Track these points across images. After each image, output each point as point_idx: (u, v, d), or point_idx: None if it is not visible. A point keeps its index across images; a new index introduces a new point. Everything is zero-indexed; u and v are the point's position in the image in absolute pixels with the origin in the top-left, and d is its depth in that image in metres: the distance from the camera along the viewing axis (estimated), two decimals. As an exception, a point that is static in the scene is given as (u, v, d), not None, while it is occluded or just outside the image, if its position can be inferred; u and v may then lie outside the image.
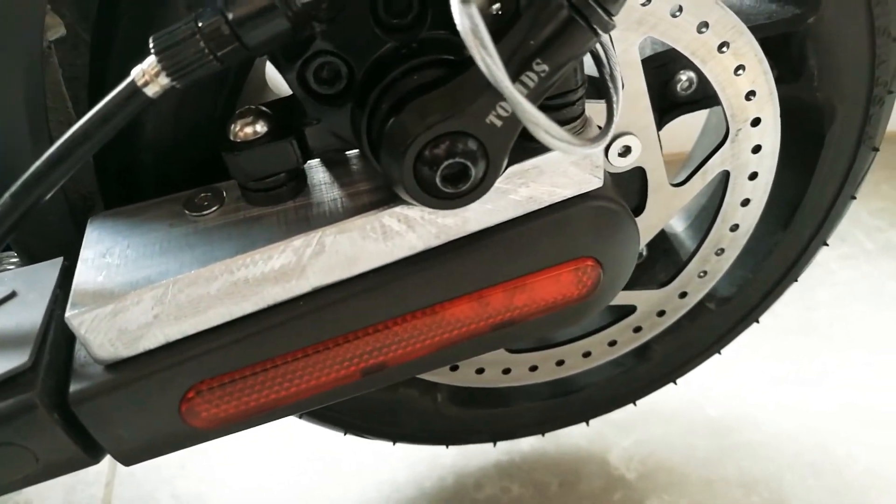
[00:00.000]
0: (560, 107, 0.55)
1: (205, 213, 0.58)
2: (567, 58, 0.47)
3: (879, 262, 1.45)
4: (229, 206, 0.58)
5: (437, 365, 0.65)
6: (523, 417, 0.94)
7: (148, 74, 0.47)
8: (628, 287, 0.82)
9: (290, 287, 0.56)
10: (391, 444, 0.91)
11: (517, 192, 0.59)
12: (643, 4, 0.61)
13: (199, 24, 0.45)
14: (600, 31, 0.46)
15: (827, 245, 0.86)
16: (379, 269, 0.58)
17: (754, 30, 0.70)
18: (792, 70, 0.74)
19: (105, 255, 0.56)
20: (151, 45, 0.47)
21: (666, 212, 0.76)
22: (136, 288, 0.53)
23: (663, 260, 0.87)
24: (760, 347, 1.25)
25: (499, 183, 0.57)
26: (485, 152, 0.50)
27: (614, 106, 0.49)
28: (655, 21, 0.63)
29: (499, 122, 0.49)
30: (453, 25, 0.51)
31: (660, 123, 0.76)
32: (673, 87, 0.74)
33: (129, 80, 0.48)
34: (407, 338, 0.61)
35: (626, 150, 0.70)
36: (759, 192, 0.77)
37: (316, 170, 0.60)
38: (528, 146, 0.55)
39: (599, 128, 0.55)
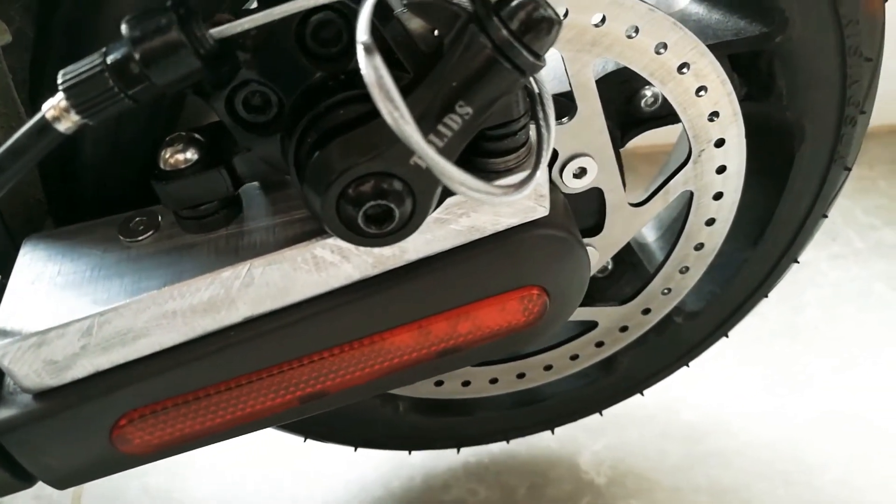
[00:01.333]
0: (501, 137, 0.54)
1: (139, 238, 0.57)
2: (492, 99, 0.45)
3: (869, 263, 1.42)
4: (164, 231, 0.57)
5: (381, 390, 0.64)
6: (487, 425, 0.94)
7: (57, 110, 0.45)
8: (589, 303, 0.81)
9: (220, 318, 0.55)
10: (353, 449, 0.91)
11: (457, 221, 0.57)
12: (596, 25, 0.59)
13: (108, 61, 0.44)
14: (526, 72, 0.44)
15: (797, 262, 0.84)
16: (314, 298, 0.57)
17: (720, 46, 0.68)
18: (761, 88, 0.71)
19: (34, 281, 0.55)
20: (60, 81, 0.45)
21: (626, 231, 0.74)
22: (62, 319, 0.52)
23: (630, 273, 0.85)
24: (742, 350, 1.23)
25: (437, 213, 0.56)
26: (411, 192, 0.48)
27: (544, 146, 0.47)
28: (610, 42, 0.60)
29: (424, 164, 0.47)
30: (386, 56, 0.50)
31: (623, 140, 0.74)
32: (637, 102, 0.72)
33: (40, 114, 0.46)
34: (346, 366, 0.60)
35: (582, 172, 0.67)
36: (725, 212, 0.75)
37: (253, 193, 0.59)
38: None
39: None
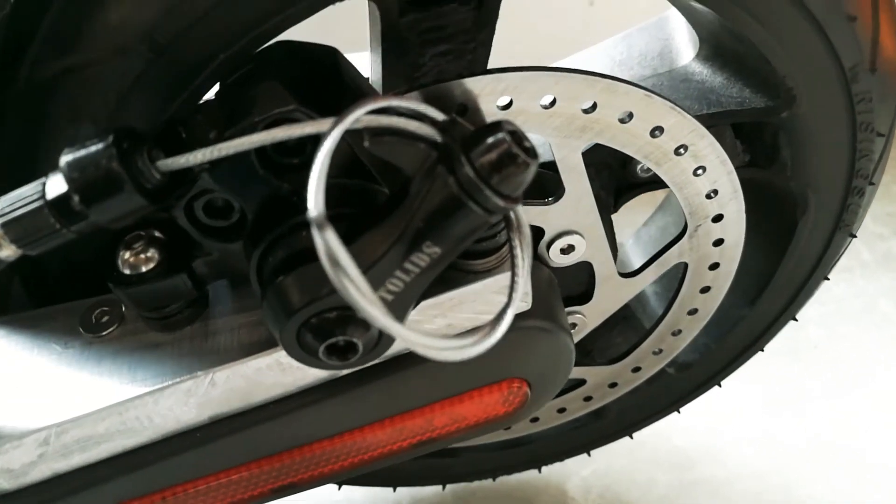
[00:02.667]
0: (478, 240, 0.51)
1: (101, 333, 0.55)
2: (461, 238, 0.42)
3: (876, 276, 1.38)
4: (127, 326, 0.55)
5: (353, 474, 0.63)
6: (473, 465, 0.93)
7: (-5, 238, 0.42)
8: (577, 362, 0.78)
9: (184, 421, 0.53)
10: (336, 487, 0.91)
11: (433, 322, 0.54)
12: (586, 111, 0.55)
13: (47, 197, 0.41)
14: (495, 213, 0.41)
15: (796, 320, 0.81)
16: (282, 399, 0.55)
17: (722, 116, 0.64)
18: (764, 156, 0.67)
19: (-10, 381, 0.53)
20: (-4, 207, 0.42)
21: (616, 300, 0.71)
22: (18, 429, 0.50)
23: (622, 326, 0.83)
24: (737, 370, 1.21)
25: (411, 315, 0.53)
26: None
27: (516, 284, 0.44)
28: (601, 128, 0.56)
29: (389, 297, 0.44)
30: (355, 170, 0.46)
31: (616, 205, 0.70)
32: (632, 168, 0.68)
33: (-24, 239, 0.43)
34: (318, 461, 0.58)
35: (570, 248, 0.64)
36: (721, 280, 0.72)
37: (219, 287, 0.56)
38: (445, 275, 0.51)
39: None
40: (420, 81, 0.58)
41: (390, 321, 0.37)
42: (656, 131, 0.57)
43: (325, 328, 0.45)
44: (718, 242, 0.67)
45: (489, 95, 0.53)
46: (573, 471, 1.11)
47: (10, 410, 0.51)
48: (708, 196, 0.63)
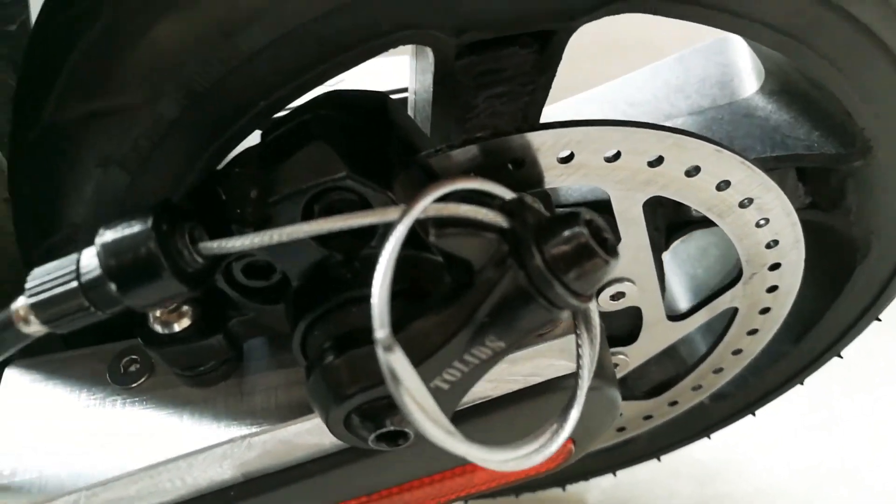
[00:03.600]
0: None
1: (130, 385, 0.52)
2: (527, 332, 0.39)
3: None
4: (157, 378, 0.52)
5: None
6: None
7: (24, 312, 0.39)
8: (614, 397, 0.76)
9: (217, 480, 0.51)
10: None
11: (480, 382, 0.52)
12: (651, 165, 0.51)
13: (81, 279, 0.37)
14: (565, 310, 0.38)
15: (841, 357, 0.79)
16: (321, 457, 0.52)
17: (788, 159, 0.60)
18: (827, 200, 0.64)
19: (17, 424, 0.51)
20: (28, 287, 0.39)
21: (661, 342, 0.68)
22: (47, 494, 0.48)
23: (662, 360, 0.80)
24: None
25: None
26: (429, 410, 0.43)
27: (580, 382, 0.41)
28: (666, 182, 0.52)
29: (445, 387, 0.41)
30: (411, 241, 0.43)
31: (667, 243, 0.67)
32: (686, 208, 0.64)
33: (6, 312, 0.40)
34: (352, 514, 0.56)
35: (620, 295, 0.61)
36: (770, 324, 0.68)
37: (255, 342, 0.53)
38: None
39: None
40: (472, 123, 0.54)
41: (457, 443, 0.34)
42: (723, 184, 0.54)
43: (377, 417, 0.42)
44: (772, 289, 0.64)
45: (549, 149, 0.49)
46: (593, 483, 1.09)
47: (37, 467, 0.49)
48: (768, 246, 0.60)
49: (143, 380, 0.52)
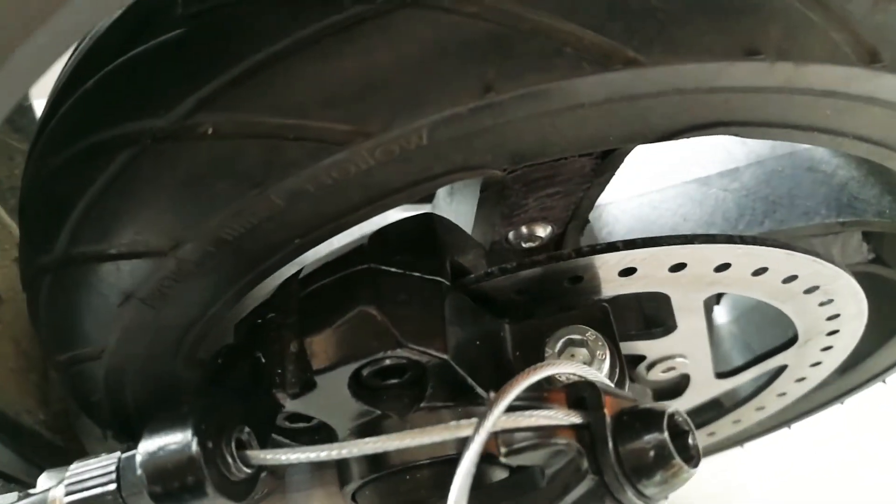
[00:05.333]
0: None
1: None
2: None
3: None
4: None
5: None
6: None
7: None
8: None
9: None
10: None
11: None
12: (717, 270, 0.47)
13: (121, 490, 0.35)
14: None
15: (885, 382, 0.77)
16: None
17: (854, 225, 0.55)
18: (893, 260, 0.60)
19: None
20: (67, 483, 0.36)
21: (706, 396, 0.66)
22: None
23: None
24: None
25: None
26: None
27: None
28: (731, 282, 0.49)
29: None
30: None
31: (718, 298, 0.64)
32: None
33: (44, 496, 0.38)
34: None
35: (671, 369, 0.58)
36: (819, 373, 0.66)
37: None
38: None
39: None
40: (520, 218, 0.49)
41: None
42: (789, 279, 0.50)
43: None
44: (827, 349, 0.61)
45: (611, 267, 0.45)
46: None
47: None
48: (829, 318, 0.56)
49: None
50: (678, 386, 0.64)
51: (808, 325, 0.57)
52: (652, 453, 0.33)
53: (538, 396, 0.35)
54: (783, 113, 0.38)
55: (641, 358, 0.57)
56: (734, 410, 0.72)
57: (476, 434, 0.32)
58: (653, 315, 0.54)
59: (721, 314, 0.74)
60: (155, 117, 0.37)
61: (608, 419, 0.34)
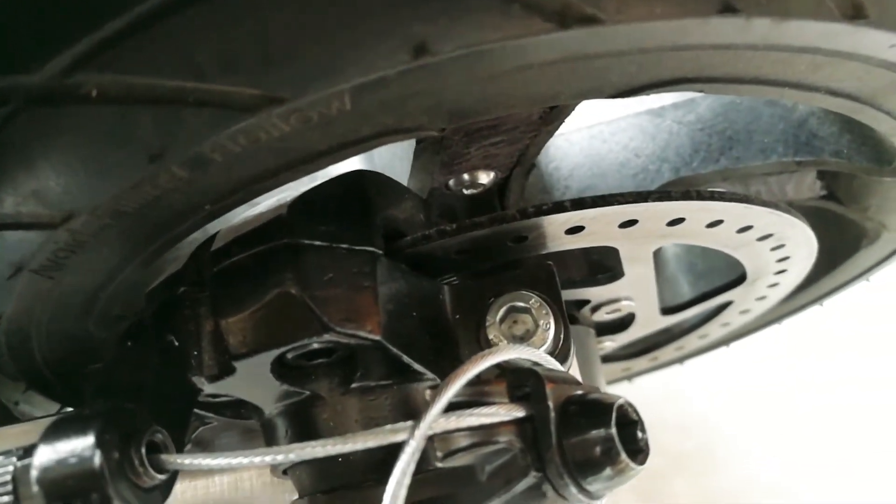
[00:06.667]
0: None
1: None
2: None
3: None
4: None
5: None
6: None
7: None
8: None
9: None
10: None
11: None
12: (671, 224, 0.44)
13: (16, 496, 0.31)
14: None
15: (821, 305, 0.77)
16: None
17: (811, 164, 0.53)
18: (846, 196, 0.58)
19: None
20: None
21: (651, 330, 0.65)
22: None
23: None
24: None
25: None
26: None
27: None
28: (684, 234, 0.46)
29: None
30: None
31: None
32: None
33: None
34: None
35: (617, 310, 0.57)
36: (763, 306, 0.66)
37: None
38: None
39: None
40: (460, 167, 0.45)
41: None
42: (744, 229, 0.47)
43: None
44: (773, 285, 0.61)
45: (558, 227, 0.41)
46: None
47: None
48: (779, 261, 0.55)
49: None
50: (623, 322, 0.63)
51: (757, 267, 0.55)
52: (598, 449, 0.31)
53: (477, 386, 0.33)
54: (754, 69, 0.34)
55: (586, 302, 0.55)
56: (678, 340, 0.72)
57: (410, 439, 0.29)
58: (598, 262, 0.51)
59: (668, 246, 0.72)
60: (30, 72, 0.31)
61: (552, 413, 0.32)
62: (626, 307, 0.56)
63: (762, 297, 0.63)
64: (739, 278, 0.59)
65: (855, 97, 0.38)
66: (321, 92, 0.29)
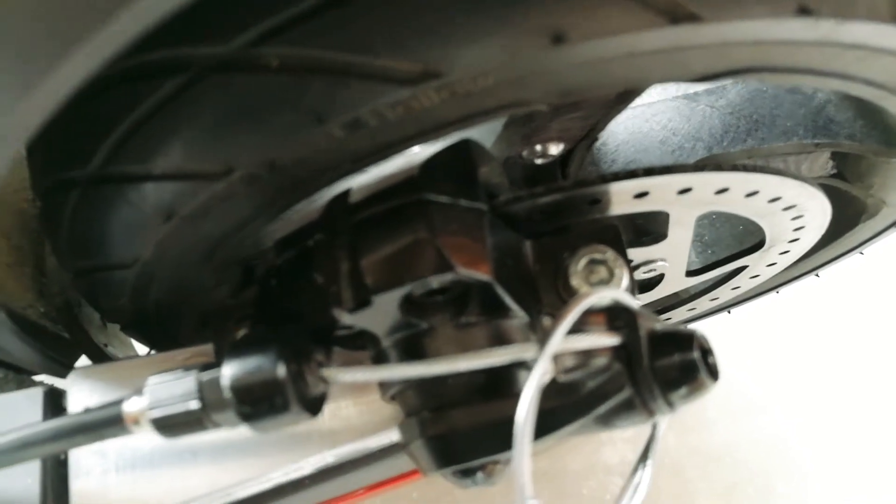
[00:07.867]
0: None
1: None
2: (612, 422, 0.43)
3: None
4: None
5: None
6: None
7: (137, 417, 0.40)
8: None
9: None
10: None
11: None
12: (718, 193, 0.51)
13: (204, 403, 0.38)
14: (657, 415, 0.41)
15: (818, 276, 0.86)
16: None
17: (828, 146, 0.61)
18: (853, 174, 0.66)
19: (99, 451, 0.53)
20: (146, 397, 0.39)
21: (672, 289, 0.73)
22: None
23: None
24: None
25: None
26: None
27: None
28: (726, 203, 0.53)
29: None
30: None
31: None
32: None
33: (116, 409, 0.40)
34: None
35: (651, 270, 0.64)
36: (771, 271, 0.74)
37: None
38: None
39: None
40: (539, 137, 0.52)
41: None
42: (775, 200, 0.55)
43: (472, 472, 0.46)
44: (784, 252, 0.68)
45: (628, 192, 0.48)
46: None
47: (125, 491, 0.52)
48: (795, 230, 0.63)
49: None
50: (651, 283, 0.71)
51: (776, 235, 0.63)
52: (682, 369, 0.39)
53: (581, 319, 0.40)
54: (809, 61, 0.41)
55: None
56: (690, 301, 0.80)
57: (542, 354, 0.36)
58: (643, 226, 0.59)
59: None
60: (217, 45, 0.37)
61: (644, 340, 0.39)
62: (660, 267, 0.64)
63: (772, 264, 0.71)
64: (759, 244, 0.66)
65: (884, 86, 0.46)
66: (474, 69, 0.36)
